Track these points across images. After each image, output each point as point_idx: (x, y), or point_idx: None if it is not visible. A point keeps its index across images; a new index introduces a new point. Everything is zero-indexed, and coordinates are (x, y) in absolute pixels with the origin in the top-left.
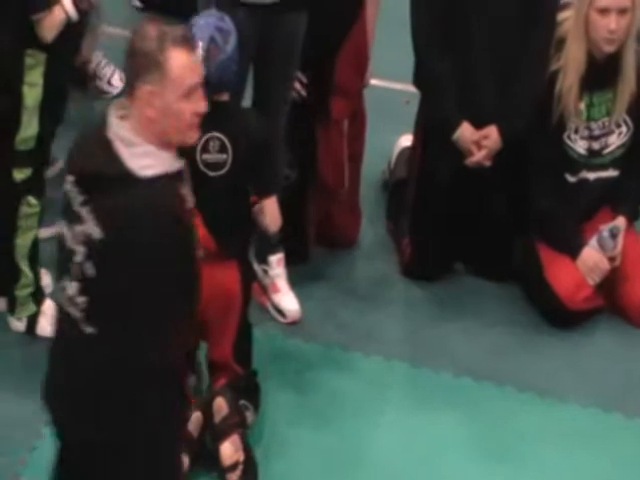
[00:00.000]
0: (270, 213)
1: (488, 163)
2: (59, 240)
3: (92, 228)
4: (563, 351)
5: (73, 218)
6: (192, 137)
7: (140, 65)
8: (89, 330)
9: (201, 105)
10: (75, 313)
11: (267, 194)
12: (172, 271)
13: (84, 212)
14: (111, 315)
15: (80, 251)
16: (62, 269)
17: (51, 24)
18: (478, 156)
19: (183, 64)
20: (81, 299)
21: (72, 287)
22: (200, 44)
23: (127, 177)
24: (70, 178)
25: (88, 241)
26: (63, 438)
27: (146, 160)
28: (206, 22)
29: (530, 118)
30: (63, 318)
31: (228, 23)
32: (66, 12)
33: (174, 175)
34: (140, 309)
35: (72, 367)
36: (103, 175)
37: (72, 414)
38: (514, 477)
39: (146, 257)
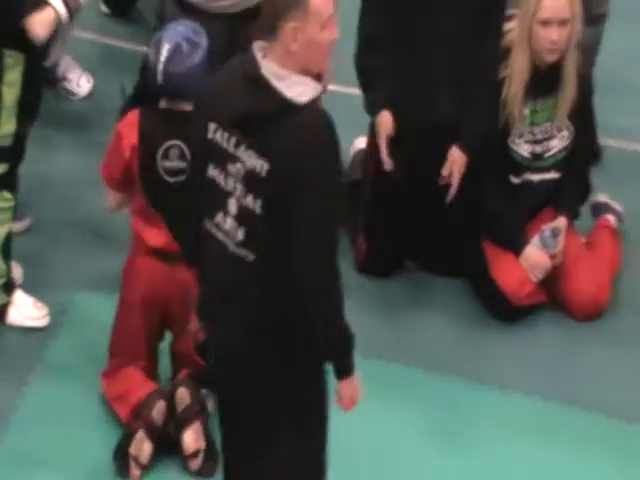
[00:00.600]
0: None
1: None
2: (209, 184)
3: (254, 163)
4: (508, 343)
5: (226, 160)
6: (327, 64)
7: (282, 6)
8: (250, 258)
9: (335, 32)
10: (233, 245)
11: None
12: (333, 190)
13: (240, 151)
14: (272, 241)
15: (238, 188)
16: (214, 208)
17: (42, 23)
18: (454, 183)
19: None
20: (240, 231)
21: (229, 222)
22: (164, 47)
23: (288, 107)
24: (213, 126)
25: (249, 176)
26: (222, 359)
27: (300, 88)
28: (176, 30)
29: (487, 126)
30: (218, 252)
31: (200, 37)
32: (57, 12)
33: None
34: (303, 232)
35: (236, 293)
36: (262, 111)
37: (228, 330)
38: (461, 464)
39: (315, 176)
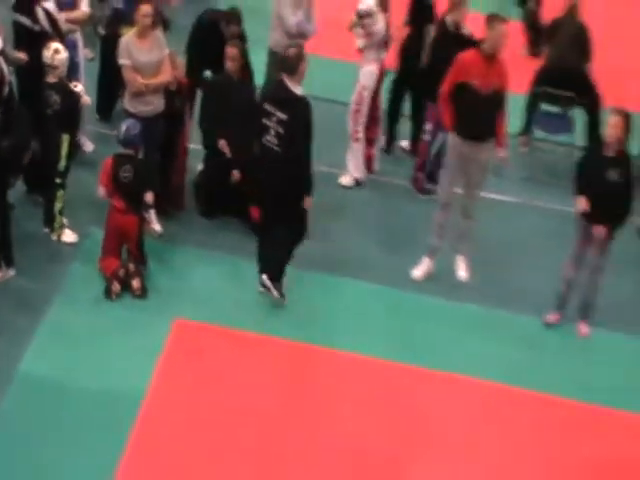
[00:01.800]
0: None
1: None
2: (264, 126)
3: (281, 116)
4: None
5: (270, 116)
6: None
7: (297, 59)
8: (280, 151)
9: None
10: (274, 146)
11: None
12: (309, 128)
13: (277, 112)
14: (287, 145)
15: (274, 125)
16: (267, 132)
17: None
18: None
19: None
20: (275, 141)
21: (271, 138)
22: (122, 127)
23: (295, 96)
24: (266, 104)
25: (279, 121)
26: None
27: (299, 90)
28: (127, 122)
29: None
30: (268, 150)
31: (136, 124)
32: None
33: None
34: (298, 142)
35: (275, 173)
36: (287, 97)
37: (273, 180)
38: (426, 360)
39: (303, 121)
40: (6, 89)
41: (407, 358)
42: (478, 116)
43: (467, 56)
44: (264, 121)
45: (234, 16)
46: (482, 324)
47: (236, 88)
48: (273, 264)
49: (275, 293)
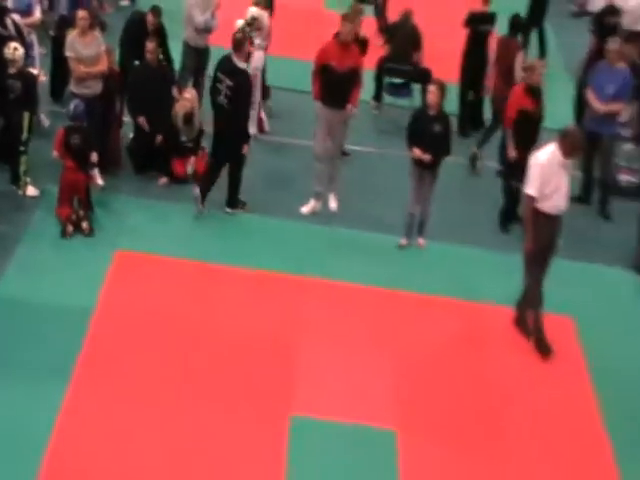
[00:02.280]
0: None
1: None
2: (217, 89)
3: (229, 82)
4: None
5: (222, 81)
6: None
7: (243, 41)
8: (228, 107)
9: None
10: (224, 103)
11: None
12: (249, 90)
13: (226, 79)
14: (232, 103)
15: (225, 89)
16: (219, 94)
17: None
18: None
19: None
20: (225, 101)
21: (222, 98)
22: (70, 106)
23: (239, 68)
24: (219, 73)
25: (228, 86)
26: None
27: (243, 64)
28: (74, 102)
29: None
30: (220, 106)
31: (81, 104)
32: None
33: None
34: (240, 100)
35: (225, 124)
36: (233, 68)
37: (224, 125)
38: (306, 270)
39: (245, 86)
40: None
41: (293, 270)
42: (336, 89)
43: (327, 44)
44: (217, 85)
45: (156, 9)
46: (349, 243)
47: (154, 74)
48: (233, 191)
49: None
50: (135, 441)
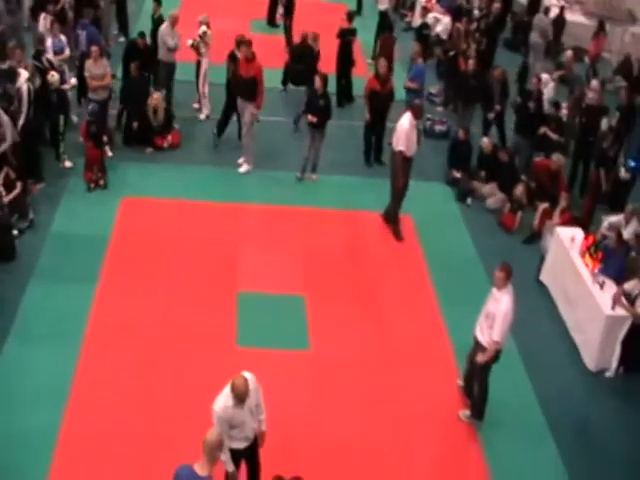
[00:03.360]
0: None
1: None
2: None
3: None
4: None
5: None
6: None
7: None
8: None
9: None
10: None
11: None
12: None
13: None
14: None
15: None
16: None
17: None
18: None
19: None
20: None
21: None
22: (90, 107)
23: None
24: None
25: None
26: None
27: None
28: (93, 104)
29: None
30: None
31: None
32: None
33: None
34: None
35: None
36: None
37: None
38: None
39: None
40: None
41: (236, 200)
42: (241, 88)
43: (240, 60)
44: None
45: (141, 34)
46: (265, 179)
47: (136, 83)
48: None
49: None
50: (150, 307)
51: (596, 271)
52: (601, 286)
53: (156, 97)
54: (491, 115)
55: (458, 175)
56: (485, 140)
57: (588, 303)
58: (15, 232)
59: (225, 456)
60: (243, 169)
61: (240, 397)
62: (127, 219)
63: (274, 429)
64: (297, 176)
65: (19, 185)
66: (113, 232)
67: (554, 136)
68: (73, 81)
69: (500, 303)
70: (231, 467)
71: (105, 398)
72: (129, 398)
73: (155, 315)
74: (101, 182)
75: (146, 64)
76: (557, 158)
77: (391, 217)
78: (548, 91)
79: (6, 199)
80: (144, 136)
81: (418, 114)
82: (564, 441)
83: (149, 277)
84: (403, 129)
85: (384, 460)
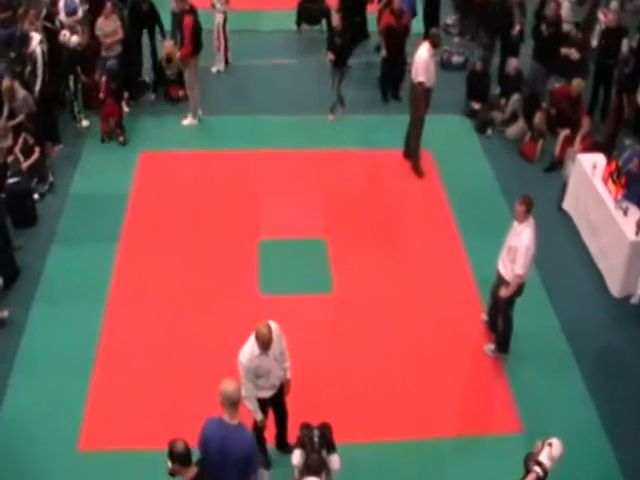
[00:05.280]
0: None
1: None
2: None
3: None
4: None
5: None
6: None
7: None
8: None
9: None
10: None
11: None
12: None
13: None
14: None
15: None
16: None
17: None
18: None
19: None
20: None
21: None
22: (108, 63)
23: None
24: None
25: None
26: None
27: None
28: (111, 60)
29: None
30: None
31: None
32: None
33: None
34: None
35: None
36: None
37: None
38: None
39: None
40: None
41: (257, 147)
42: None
43: None
44: None
45: None
46: (282, 123)
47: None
48: None
49: None
50: (172, 261)
51: (619, 197)
52: (625, 212)
53: (169, 44)
54: (516, 29)
55: (477, 106)
56: (514, 60)
57: (612, 230)
58: (36, 196)
59: (253, 405)
60: (186, 121)
61: (265, 343)
62: (146, 174)
63: (300, 375)
64: (328, 119)
65: (37, 150)
66: (132, 189)
67: (575, 55)
68: (74, 39)
69: (521, 237)
70: (260, 416)
71: (131, 354)
72: (155, 352)
73: (177, 269)
74: (121, 138)
75: (149, 25)
76: (577, 83)
77: (411, 151)
78: (564, 11)
79: (25, 165)
80: (156, 87)
81: (436, 44)
82: (589, 370)
83: (170, 232)
84: (422, 59)
85: (411, 399)
